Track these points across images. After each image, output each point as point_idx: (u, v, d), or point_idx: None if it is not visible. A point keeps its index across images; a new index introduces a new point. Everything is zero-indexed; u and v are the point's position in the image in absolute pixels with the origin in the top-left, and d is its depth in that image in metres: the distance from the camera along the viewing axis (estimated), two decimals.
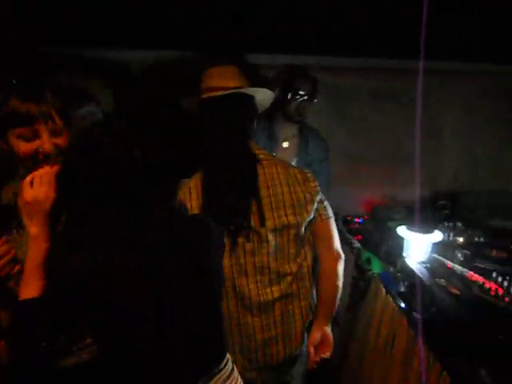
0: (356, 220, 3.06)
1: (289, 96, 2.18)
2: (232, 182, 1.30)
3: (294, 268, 1.39)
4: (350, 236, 2.57)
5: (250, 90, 1.36)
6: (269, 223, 1.32)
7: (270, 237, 1.33)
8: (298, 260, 1.40)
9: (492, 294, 1.50)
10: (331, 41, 2.88)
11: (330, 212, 1.47)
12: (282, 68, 2.35)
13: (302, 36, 2.78)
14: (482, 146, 3.28)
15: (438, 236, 1.80)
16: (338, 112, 3.09)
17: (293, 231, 1.37)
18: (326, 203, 1.46)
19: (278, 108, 2.17)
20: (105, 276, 0.89)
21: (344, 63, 2.94)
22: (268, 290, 1.36)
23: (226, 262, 1.30)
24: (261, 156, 1.37)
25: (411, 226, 1.82)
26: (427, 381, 1.40)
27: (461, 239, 2.41)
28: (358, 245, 2.40)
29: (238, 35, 2.58)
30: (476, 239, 2.48)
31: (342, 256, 1.50)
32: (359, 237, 2.78)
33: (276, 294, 1.36)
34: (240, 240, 1.31)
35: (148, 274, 0.94)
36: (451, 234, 2.52)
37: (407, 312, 1.62)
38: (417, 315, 1.57)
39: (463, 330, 1.37)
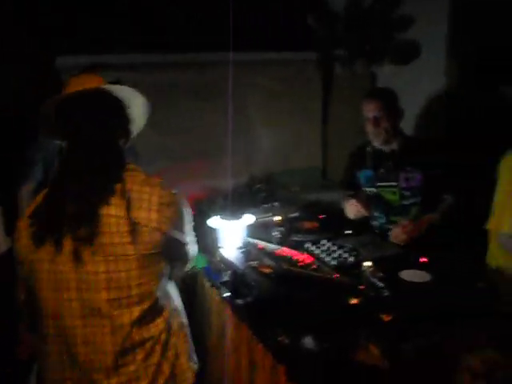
0: None
1: None
2: None
3: None
4: None
5: (108, 87, 1.25)
6: None
7: None
8: None
9: (300, 264, 1.60)
10: (137, 38, 2.80)
11: None
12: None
13: (106, 35, 2.66)
14: (288, 129, 3.55)
15: (249, 219, 1.86)
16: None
17: None
18: None
19: None
20: None
21: (150, 59, 2.89)
22: None
23: None
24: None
25: (222, 215, 1.85)
26: (262, 367, 1.43)
27: (278, 218, 2.56)
28: None
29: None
30: (291, 215, 2.68)
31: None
32: None
33: None
34: None
35: None
36: (270, 215, 2.67)
37: (230, 300, 1.64)
38: (239, 302, 1.61)
39: (277, 304, 1.44)
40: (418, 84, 3.05)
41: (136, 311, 1.16)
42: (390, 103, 2.27)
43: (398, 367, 1.31)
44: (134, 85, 1.32)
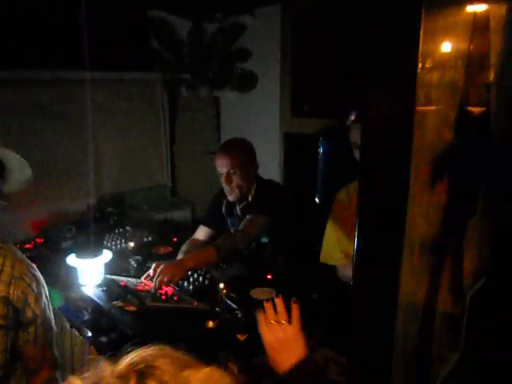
0: (27, 247, 2.86)
1: None
2: None
3: None
4: None
5: None
6: None
7: None
8: None
9: (163, 298, 1.71)
10: None
11: None
12: None
13: None
14: (135, 148, 3.57)
15: (106, 256, 1.89)
16: None
17: None
18: None
19: None
20: None
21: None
22: None
23: None
24: None
25: (79, 252, 1.84)
26: None
27: (132, 244, 2.59)
28: None
29: None
30: (145, 239, 2.74)
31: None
32: (35, 264, 2.62)
33: None
34: None
35: None
36: (123, 241, 2.68)
37: (94, 340, 1.66)
38: (102, 339, 1.65)
39: (142, 339, 1.53)
40: (258, 110, 3.39)
41: None
42: (243, 160, 2.19)
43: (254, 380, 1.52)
44: None
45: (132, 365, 0.63)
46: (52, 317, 1.39)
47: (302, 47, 3.13)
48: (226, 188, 2.21)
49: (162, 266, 1.83)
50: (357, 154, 1.81)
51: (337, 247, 1.93)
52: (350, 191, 1.96)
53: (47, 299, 1.36)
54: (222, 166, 2.17)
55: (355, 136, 1.79)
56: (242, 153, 2.21)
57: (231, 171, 2.16)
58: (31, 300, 1.26)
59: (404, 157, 0.84)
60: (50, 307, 1.38)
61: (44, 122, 3.07)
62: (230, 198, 2.26)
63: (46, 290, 1.34)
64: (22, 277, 1.24)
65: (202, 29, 3.33)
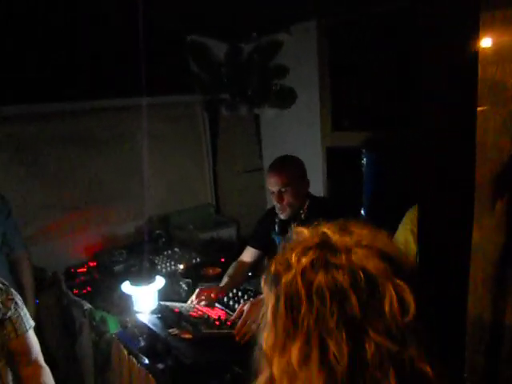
0: (80, 271, 2.96)
1: None
2: None
3: None
4: (77, 298, 2.47)
5: None
6: None
7: None
8: None
9: (217, 324, 1.72)
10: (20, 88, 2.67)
11: (27, 323, 1.40)
12: None
13: None
14: (178, 169, 3.64)
15: (160, 282, 1.92)
16: (29, 163, 2.92)
17: None
18: (22, 313, 1.38)
19: None
20: None
21: (29, 110, 2.78)
22: None
23: None
24: None
25: (133, 280, 1.89)
26: None
27: (181, 266, 2.64)
28: (88, 305, 2.33)
29: None
30: (193, 261, 2.78)
31: (44, 366, 1.46)
32: (88, 288, 2.70)
33: None
34: None
35: None
36: (172, 263, 2.74)
37: (151, 367, 1.70)
38: (160, 366, 1.68)
39: (198, 367, 1.55)
40: (298, 126, 3.38)
41: None
42: (294, 177, 2.18)
43: None
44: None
45: None
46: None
47: (339, 60, 3.12)
48: (278, 206, 2.20)
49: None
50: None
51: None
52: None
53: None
54: (273, 184, 2.17)
55: None
56: (293, 170, 2.20)
57: (282, 189, 2.15)
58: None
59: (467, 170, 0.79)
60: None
61: (91, 150, 3.19)
62: (282, 216, 2.24)
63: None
64: None
65: (238, 49, 3.37)
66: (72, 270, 2.93)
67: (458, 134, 0.86)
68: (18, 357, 1.35)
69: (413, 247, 1.76)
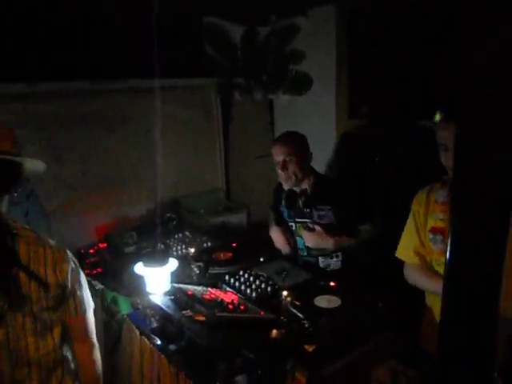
0: (91, 252, 2.95)
1: None
2: None
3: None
4: (89, 278, 2.46)
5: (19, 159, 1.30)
6: None
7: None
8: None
9: (230, 307, 1.71)
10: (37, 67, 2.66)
11: (87, 304, 1.43)
12: None
13: None
14: (190, 153, 3.61)
15: (173, 264, 1.91)
16: (44, 141, 2.90)
17: None
18: (84, 294, 1.41)
19: None
20: None
21: (45, 88, 2.76)
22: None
23: None
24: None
25: (147, 261, 1.87)
26: None
27: (193, 250, 2.61)
28: (100, 286, 2.33)
29: None
30: (204, 245, 2.76)
31: (96, 344, 1.48)
32: (99, 269, 2.70)
33: None
34: None
35: None
36: (183, 246, 2.72)
37: (164, 348, 1.69)
38: (172, 347, 1.68)
39: (211, 350, 1.54)
40: (313, 112, 3.34)
41: None
42: (298, 148, 2.37)
43: None
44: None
45: None
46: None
47: (358, 46, 3.06)
48: (282, 175, 2.38)
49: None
50: (444, 157, 1.67)
51: (410, 245, 1.88)
52: (428, 192, 1.86)
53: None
54: (279, 153, 2.36)
55: (443, 137, 1.64)
56: (297, 141, 2.40)
57: (287, 158, 2.34)
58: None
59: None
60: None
61: (104, 131, 3.16)
62: (286, 185, 2.43)
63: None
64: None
65: (255, 32, 3.32)
66: (82, 251, 2.93)
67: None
68: (74, 333, 1.40)
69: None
